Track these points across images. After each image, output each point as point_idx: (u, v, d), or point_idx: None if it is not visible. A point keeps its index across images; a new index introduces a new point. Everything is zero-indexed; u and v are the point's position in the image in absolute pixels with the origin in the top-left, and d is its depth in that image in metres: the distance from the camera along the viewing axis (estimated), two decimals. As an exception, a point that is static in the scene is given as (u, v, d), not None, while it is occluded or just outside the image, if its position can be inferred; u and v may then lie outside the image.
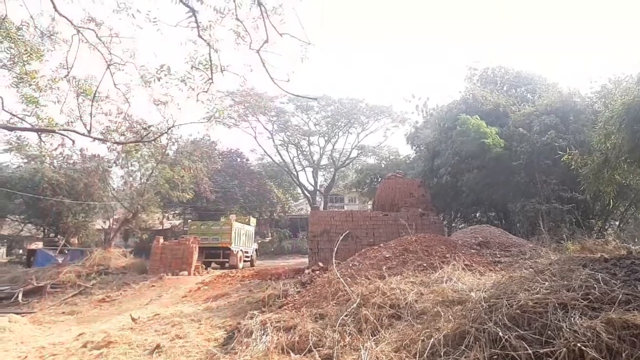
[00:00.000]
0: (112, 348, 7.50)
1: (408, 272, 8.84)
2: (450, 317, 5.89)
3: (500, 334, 4.80)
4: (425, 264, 9.35)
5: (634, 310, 4.70)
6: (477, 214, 27.09)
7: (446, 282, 7.49)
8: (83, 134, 12.63)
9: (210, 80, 10.63)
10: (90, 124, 12.51)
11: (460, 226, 26.19)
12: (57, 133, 13.45)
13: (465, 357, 4.74)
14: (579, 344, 4.22)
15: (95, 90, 13.03)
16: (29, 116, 13.11)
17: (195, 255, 21.40)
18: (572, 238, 13.52)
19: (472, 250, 11.13)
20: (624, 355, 4.13)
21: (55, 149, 24.58)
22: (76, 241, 31.02)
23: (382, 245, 11.71)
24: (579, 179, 15.30)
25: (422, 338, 5.44)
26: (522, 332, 4.77)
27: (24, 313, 12.85)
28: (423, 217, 18.29)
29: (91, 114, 12.58)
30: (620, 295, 5.04)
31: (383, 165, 37.54)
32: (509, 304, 5.33)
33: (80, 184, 28.35)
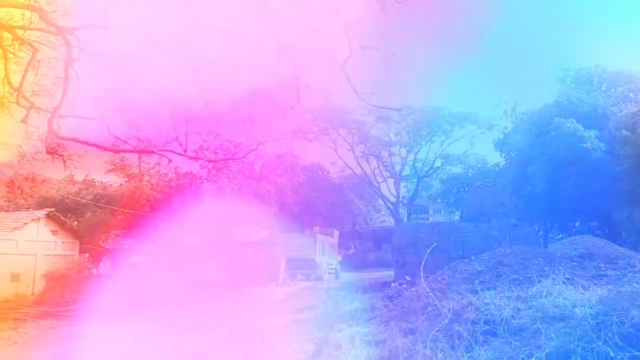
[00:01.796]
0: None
1: (503, 286, 8.41)
2: (552, 334, 5.51)
3: (612, 353, 4.43)
4: (521, 278, 8.84)
5: None
6: (577, 224, 25.20)
7: (546, 297, 7.02)
8: (179, 154, 13.49)
9: (297, 98, 10.91)
10: (186, 143, 13.34)
11: (557, 237, 24.49)
12: (156, 153, 14.49)
13: (572, 379, 4.41)
14: None
15: (190, 111, 13.90)
16: (131, 138, 14.25)
17: (282, 267, 21.91)
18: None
19: (573, 263, 10.33)
20: None
21: (153, 167, 26.53)
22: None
23: (473, 258, 11.25)
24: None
25: (521, 356, 5.14)
26: (637, 353, 4.36)
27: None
28: (516, 227, 17.36)
29: (187, 134, 13.42)
30: None
31: (470, 174, 36.28)
32: (620, 321, 4.90)
33: (175, 200, 30.09)
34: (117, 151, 16.82)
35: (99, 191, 29.70)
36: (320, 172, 45.66)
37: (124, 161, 24.17)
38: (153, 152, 14.05)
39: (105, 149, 12.78)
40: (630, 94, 24.23)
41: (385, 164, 49.53)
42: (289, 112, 11.65)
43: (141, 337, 11.49)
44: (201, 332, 11.42)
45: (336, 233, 31.47)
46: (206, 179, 30.63)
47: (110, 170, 28.39)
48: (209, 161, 20.21)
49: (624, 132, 18.78)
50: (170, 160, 15.91)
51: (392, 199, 49.42)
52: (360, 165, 48.42)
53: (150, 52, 12.41)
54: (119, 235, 35.62)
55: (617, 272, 9.36)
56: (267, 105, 12.46)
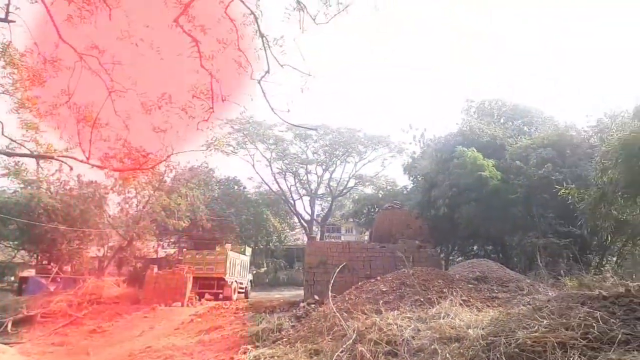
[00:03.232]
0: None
1: (405, 307, 8.74)
2: (447, 355, 5.79)
3: (499, 374, 4.71)
4: (422, 299, 9.25)
5: (634, 350, 4.63)
6: (475, 247, 26.92)
7: (444, 318, 7.39)
8: (82, 161, 12.63)
9: (211, 110, 10.72)
10: (89, 150, 12.52)
11: (457, 259, 26.01)
12: (55, 159, 13.46)
13: (463, 398, 4.63)
14: (579, 387, 4.13)
15: (96, 117, 13.08)
16: (28, 142, 13.13)
17: (189, 286, 21.08)
18: (569, 273, 13.40)
19: (470, 285, 11.02)
20: (625, 398, 4.04)
21: (53, 174, 24.58)
22: (69, 269, 30.57)
23: (379, 278, 11.61)
24: (576, 214, 15.28)
25: (418, 377, 5.33)
26: (521, 373, 4.68)
27: (12, 343, 12.55)
28: (420, 249, 18.14)
29: (91, 140, 12.60)
30: (620, 335, 4.97)
31: (380, 196, 37.49)
32: (507, 342, 5.26)
33: (76, 210, 28.12)
34: (11, 155, 15.39)
35: (-12, 197, 27.12)
36: (236, 187, 44.91)
37: (19, 166, 22.11)
38: (53, 157, 13.01)
39: (-4, 152, 11.68)
40: (525, 127, 26.55)
41: (302, 181, 49.90)
42: (203, 124, 11.39)
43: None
44: (100, 352, 10.68)
45: (249, 250, 30.96)
46: (112, 189, 28.97)
47: (3, 175, 25.89)
48: (115, 170, 19.03)
49: (517, 162, 20.50)
50: (71, 168, 14.79)
51: (307, 217, 49.76)
52: (277, 182, 48.39)
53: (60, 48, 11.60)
54: (10, 247, 32.51)
55: (508, 295, 10.11)
56: (181, 115, 12.03)
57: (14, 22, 9.84)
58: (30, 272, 27.86)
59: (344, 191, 50.25)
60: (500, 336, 5.53)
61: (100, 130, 14.72)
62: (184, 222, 30.29)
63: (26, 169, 22.24)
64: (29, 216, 26.52)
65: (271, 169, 47.19)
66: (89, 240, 31.57)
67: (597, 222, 13.60)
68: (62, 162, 14.20)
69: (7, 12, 9.47)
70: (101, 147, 17.10)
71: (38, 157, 13.69)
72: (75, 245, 30.30)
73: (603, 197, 12.86)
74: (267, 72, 8.95)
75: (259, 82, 9.13)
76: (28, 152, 13.53)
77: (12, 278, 34.25)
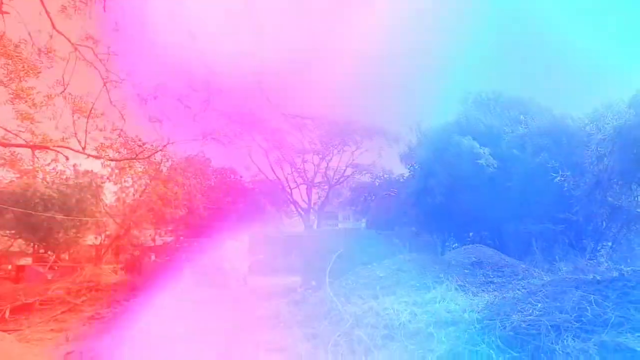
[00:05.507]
0: (101, 367, 7.39)
1: (402, 292, 8.82)
2: (443, 338, 5.87)
3: (494, 355, 4.79)
4: (418, 284, 9.34)
5: (626, 332, 4.70)
6: (471, 234, 27.00)
7: (439, 303, 7.47)
8: (77, 151, 12.65)
9: (208, 101, 10.72)
10: (85, 140, 12.54)
11: (453, 246, 26.12)
12: (51, 150, 13.47)
13: (458, 380, 4.71)
14: (572, 367, 4.21)
15: (91, 107, 13.07)
16: (24, 132, 13.13)
17: (188, 273, 21.17)
18: (564, 259, 13.52)
19: (466, 271, 11.10)
20: (616, 378, 4.12)
21: (49, 164, 24.54)
22: (67, 257, 30.64)
23: (375, 264, 11.69)
24: (571, 200, 15.36)
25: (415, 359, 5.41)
26: (515, 354, 4.75)
27: (10, 330, 12.61)
28: (417, 236, 18.25)
29: (86, 130, 12.62)
30: (613, 318, 5.05)
31: (377, 184, 37.56)
32: (502, 326, 5.33)
33: (72, 200, 28.11)
34: (6, 145, 15.37)
35: (-16, 187, 27.06)
36: (232, 176, 44.79)
37: (15, 156, 22.02)
38: (48, 147, 13.00)
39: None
40: (521, 117, 26.52)
41: (299, 170, 49.84)
42: (200, 114, 11.41)
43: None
44: (95, 338, 10.74)
45: (246, 238, 31.03)
46: (108, 178, 28.91)
47: (-1, 165, 25.80)
48: (111, 160, 19.03)
49: (514, 151, 20.54)
50: (67, 158, 14.79)
51: (304, 206, 49.75)
52: (274, 171, 48.27)
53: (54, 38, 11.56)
54: (7, 236, 32.50)
55: (503, 280, 10.20)
56: (177, 105, 12.04)
57: (8, 13, 9.81)
58: (27, 261, 27.88)
59: (341, 180, 50.23)
60: (495, 319, 5.61)
61: (96, 121, 14.75)
62: (180, 211, 30.30)
63: (22, 159, 22.15)
64: (25, 205, 26.50)
65: (268, 159, 47.07)
66: (85, 229, 31.61)
67: (592, 209, 13.70)
68: (58, 152, 14.22)
69: (1, 4, 9.44)
70: (97, 137, 17.12)
71: (34, 147, 13.70)
72: (72, 233, 30.32)
73: (598, 184, 12.96)
74: (265, 63, 8.93)
75: (255, 74, 9.12)
76: (23, 142, 13.53)
77: (10, 267, 34.27)
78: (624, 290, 6.10)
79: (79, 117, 13.89)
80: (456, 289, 8.57)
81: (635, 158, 11.11)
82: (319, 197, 52.70)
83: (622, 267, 11.95)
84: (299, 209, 50.10)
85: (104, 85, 11.86)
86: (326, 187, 50.58)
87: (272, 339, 7.62)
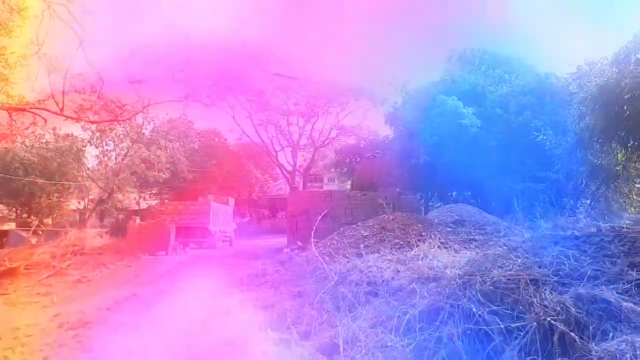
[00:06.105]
0: (89, 328, 7.45)
1: (385, 250, 8.96)
2: (425, 293, 6.01)
3: (474, 309, 4.92)
4: (402, 242, 9.49)
5: (602, 285, 4.86)
6: (454, 194, 27.35)
7: (422, 260, 7.61)
8: (55, 113, 12.35)
9: (188, 60, 10.43)
10: (63, 102, 12.21)
11: (437, 205, 26.49)
12: (28, 111, 13.11)
13: (439, 333, 4.84)
14: (548, 318, 4.34)
15: (68, 68, 12.67)
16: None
17: (173, 236, 21.22)
18: (545, 216, 13.81)
19: (448, 229, 11.31)
20: (591, 328, 4.27)
21: (27, 127, 24.01)
22: (50, 222, 30.43)
23: (360, 224, 11.82)
24: (553, 159, 15.57)
25: (398, 314, 5.53)
26: (495, 308, 4.88)
27: (-4, 294, 12.59)
28: (401, 196, 18.46)
29: (64, 91, 12.27)
30: (589, 271, 5.20)
31: (362, 146, 37.59)
32: (482, 281, 5.45)
33: (53, 164, 27.73)
34: (-21, 108, 14.90)
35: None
36: (216, 139, 44.43)
37: (-9, 119, 21.49)
38: (24, 109, 12.64)
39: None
40: (506, 76, 26.45)
41: (284, 132, 49.52)
42: (178, 74, 11.12)
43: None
44: (82, 301, 10.79)
45: (231, 201, 31.08)
46: (89, 142, 28.48)
47: (-26, 129, 25.17)
48: (91, 122, 18.65)
49: (497, 110, 20.60)
50: (45, 120, 14.44)
51: (289, 168, 49.75)
52: (258, 134, 47.86)
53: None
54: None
55: (485, 237, 10.42)
56: (157, 66, 11.72)
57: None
58: (10, 226, 27.61)
59: (326, 142, 50.13)
60: (476, 275, 5.72)
61: (73, 82, 14.32)
62: (164, 174, 30.12)
63: (-1, 122, 21.65)
64: (5, 170, 26.06)
65: (252, 121, 46.54)
66: (68, 193, 31.31)
67: (573, 167, 13.92)
68: (36, 114, 13.84)
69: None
70: (75, 98, 16.70)
71: (9, 109, 13.30)
72: (55, 198, 30.05)
73: (579, 143, 13.12)
74: (247, 20, 8.66)
75: (237, 31, 8.85)
76: (-1, 105, 13.13)
77: (-8, 232, 33.94)
78: (600, 245, 6.25)
79: (55, 78, 13.49)
80: (439, 246, 8.74)
81: (615, 116, 11.21)
82: (304, 160, 52.69)
83: (600, 223, 12.29)
84: (284, 172, 50.13)
85: (81, 45, 11.43)
86: (311, 149, 50.51)
87: (259, 296, 7.73)
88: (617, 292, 4.60)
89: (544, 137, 14.82)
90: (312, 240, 10.87)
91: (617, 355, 3.61)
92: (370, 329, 5.50)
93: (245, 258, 15.95)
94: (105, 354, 6.39)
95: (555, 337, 4.22)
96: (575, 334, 4.17)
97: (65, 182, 28.88)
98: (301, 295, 7.49)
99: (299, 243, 15.23)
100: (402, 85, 29.72)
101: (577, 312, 4.38)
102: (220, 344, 5.91)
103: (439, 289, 5.95)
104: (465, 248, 9.15)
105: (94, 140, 27.79)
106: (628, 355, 3.53)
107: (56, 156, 27.82)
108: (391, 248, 9.12)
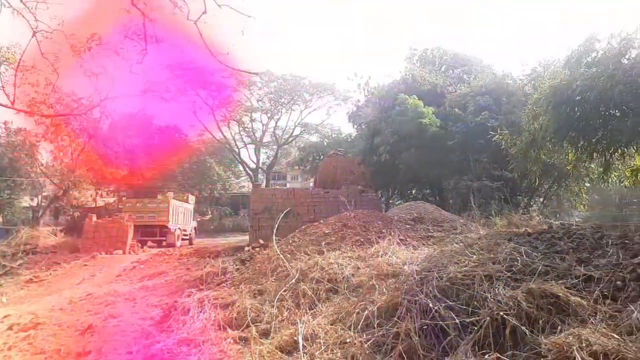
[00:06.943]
0: (41, 330, 7.18)
1: (346, 247, 9.05)
2: (384, 289, 6.10)
3: (430, 305, 5.03)
4: (362, 239, 9.59)
5: (551, 280, 5.06)
6: (414, 191, 27.93)
7: (382, 256, 7.72)
8: (6, 106, 11.78)
9: (145, 51, 10.16)
10: (14, 94, 11.65)
11: (397, 203, 26.94)
12: (-26, 104, 12.45)
13: (397, 328, 4.92)
14: (501, 313, 4.49)
15: (20, 59, 12.12)
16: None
17: (131, 234, 20.71)
18: (500, 214, 14.26)
19: (407, 226, 11.51)
20: (541, 322, 4.44)
21: (-25, 121, 22.85)
22: (0, 219, 29.16)
23: (322, 221, 11.87)
24: (508, 158, 16.05)
25: (357, 310, 5.59)
26: (450, 303, 5.02)
27: (-59, 296, 11.96)
28: (362, 194, 18.66)
29: (15, 84, 11.72)
30: (540, 267, 5.42)
31: (325, 144, 37.74)
32: (439, 277, 5.59)
33: (4, 159, 26.58)
34: None
35: None
36: (177, 135, 43.43)
37: (-64, 113, 20.37)
38: (-28, 102, 12.02)
39: None
40: (465, 76, 27.16)
41: (247, 129, 49.07)
42: (136, 67, 10.83)
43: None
44: (35, 301, 10.38)
45: (192, 199, 30.54)
46: (43, 137, 27.36)
47: None
48: (45, 116, 17.91)
49: (456, 110, 21.11)
50: (-5, 114, 13.77)
51: (252, 165, 49.37)
52: (220, 130, 47.17)
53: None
54: None
55: (442, 234, 10.65)
56: (114, 58, 11.36)
57: None
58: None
59: (290, 139, 50.05)
60: (433, 271, 5.86)
61: (26, 74, 13.69)
62: (122, 171, 29.32)
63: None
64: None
65: (214, 117, 45.80)
66: (20, 189, 30.08)
67: (527, 166, 14.35)
68: (-16, 107, 13.15)
69: None
70: (28, 91, 15.96)
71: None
72: (6, 195, 28.78)
73: (533, 142, 13.52)
74: (204, 12, 8.52)
75: (195, 23, 8.70)
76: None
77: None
78: (551, 242, 6.52)
79: (6, 70, 12.91)
80: (398, 243, 8.89)
81: (567, 117, 11.62)
82: (267, 157, 52.41)
83: (552, 220, 12.79)
84: (247, 169, 49.67)
85: (34, 35, 10.93)
86: (274, 146, 50.28)
87: (219, 295, 7.64)
88: (565, 287, 4.80)
89: (500, 137, 15.27)
90: (274, 238, 10.84)
91: (565, 347, 3.76)
92: (330, 325, 5.53)
93: (205, 256, 15.72)
94: (57, 357, 6.17)
95: (507, 331, 4.36)
96: (526, 328, 4.33)
97: (18, 179, 27.75)
98: (261, 293, 7.46)
99: (261, 241, 15.16)
100: (365, 83, 30.09)
101: (528, 306, 4.55)
102: (178, 344, 5.81)
103: (397, 285, 6.06)
104: (424, 245, 9.35)
105: (49, 135, 26.69)
106: (574, 347, 3.69)
107: (8, 151, 26.70)
108: (352, 245, 9.22)
